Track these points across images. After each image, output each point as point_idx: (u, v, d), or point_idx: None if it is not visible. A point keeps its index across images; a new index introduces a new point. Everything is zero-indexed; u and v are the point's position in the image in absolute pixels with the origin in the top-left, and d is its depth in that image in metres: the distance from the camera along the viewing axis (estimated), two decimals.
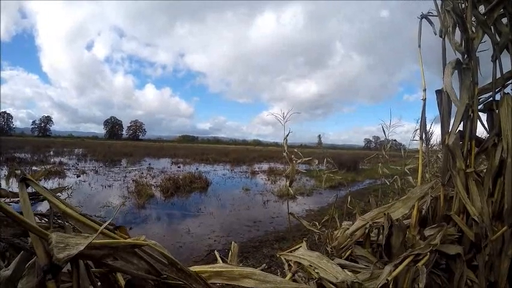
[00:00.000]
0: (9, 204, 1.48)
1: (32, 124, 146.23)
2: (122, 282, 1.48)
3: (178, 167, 30.49)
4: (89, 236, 1.11)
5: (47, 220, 1.54)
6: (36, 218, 1.61)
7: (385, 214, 2.30)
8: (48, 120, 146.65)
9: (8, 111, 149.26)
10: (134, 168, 28.47)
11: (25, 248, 1.17)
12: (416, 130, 4.27)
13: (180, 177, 19.73)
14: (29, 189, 1.36)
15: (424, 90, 2.71)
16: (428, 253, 2.21)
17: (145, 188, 16.35)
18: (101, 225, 1.37)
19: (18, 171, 1.35)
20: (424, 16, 2.82)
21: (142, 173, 24.04)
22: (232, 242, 2.12)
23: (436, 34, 2.71)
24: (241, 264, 2.25)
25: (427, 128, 3.62)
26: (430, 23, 2.80)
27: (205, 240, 9.23)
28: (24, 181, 1.33)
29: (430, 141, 4.02)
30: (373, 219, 2.47)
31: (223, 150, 71.36)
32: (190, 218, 11.81)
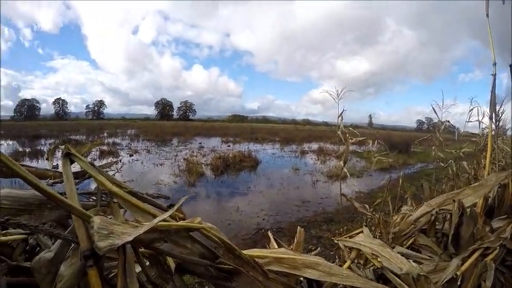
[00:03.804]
0: (53, 185, 1.43)
1: (86, 108, 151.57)
2: (172, 264, 1.41)
3: (228, 146, 30.83)
4: (139, 226, 1.02)
5: (96, 199, 1.48)
6: (85, 197, 1.56)
7: (454, 201, 2.11)
8: (101, 104, 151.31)
9: (62, 98, 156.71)
10: (185, 147, 29.03)
11: (62, 236, 1.09)
12: (472, 110, 4.02)
13: (230, 155, 19.98)
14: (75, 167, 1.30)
15: (494, 64, 2.44)
16: (498, 247, 2.02)
17: (196, 166, 16.66)
18: (150, 203, 1.29)
19: (62, 146, 1.28)
20: None
21: (193, 152, 24.51)
22: (298, 228, 1.99)
23: (504, 3, 2.43)
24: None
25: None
26: None
27: (254, 218, 9.29)
28: (68, 156, 1.27)
29: (500, 122, 3.74)
30: (440, 205, 2.28)
31: (272, 129, 71.61)
32: (240, 196, 11.92)
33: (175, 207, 1.24)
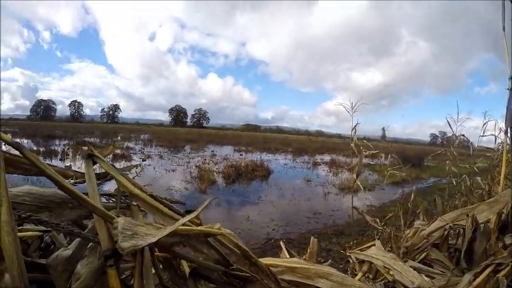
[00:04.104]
0: (75, 185, 1.45)
1: (101, 112, 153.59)
2: (187, 268, 1.43)
3: (240, 155, 30.80)
4: (162, 228, 1.03)
5: (115, 200, 1.50)
6: (104, 198, 1.58)
7: (467, 216, 2.10)
8: (116, 108, 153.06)
9: (78, 100, 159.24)
10: (197, 154, 29.12)
11: (82, 235, 1.11)
12: (486, 124, 3.99)
13: (242, 164, 19.97)
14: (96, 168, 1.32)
15: (510, 78, 2.44)
16: (510, 263, 2.00)
17: (208, 173, 16.69)
18: (169, 207, 1.30)
19: (85, 148, 1.31)
20: None
21: (205, 159, 24.56)
22: (311, 238, 1.99)
23: None
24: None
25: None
26: None
27: (264, 228, 9.25)
28: (90, 158, 1.29)
29: None
30: (454, 220, 2.27)
31: (285, 139, 71.62)
32: (250, 206, 11.91)
33: (199, 210, 1.25)
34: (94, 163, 1.29)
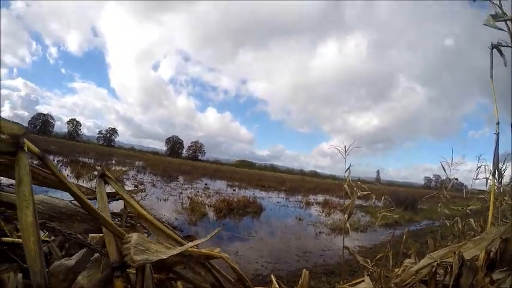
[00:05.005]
0: None
1: (98, 133, 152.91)
2: None
3: (233, 190, 30.67)
4: (171, 248, 1.10)
5: (119, 219, 1.56)
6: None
7: (454, 253, 2.17)
8: (114, 131, 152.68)
9: (77, 119, 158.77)
10: (190, 186, 28.98)
11: (92, 247, 1.17)
12: (479, 168, 4.09)
13: (235, 200, 19.95)
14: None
15: (498, 123, 2.55)
16: None
17: (199, 206, 16.65)
18: (171, 231, 1.37)
19: (99, 168, 1.39)
20: (495, 46, 2.65)
21: (198, 192, 24.47)
22: (303, 270, 2.04)
23: (506, 65, 2.55)
24: None
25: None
26: (501, 53, 2.62)
27: (252, 264, 9.21)
28: (102, 177, 1.36)
29: (503, 179, 3.77)
30: (442, 258, 2.32)
31: (279, 178, 71.47)
32: (240, 241, 11.86)
33: (208, 237, 1.33)
34: (105, 183, 1.37)
